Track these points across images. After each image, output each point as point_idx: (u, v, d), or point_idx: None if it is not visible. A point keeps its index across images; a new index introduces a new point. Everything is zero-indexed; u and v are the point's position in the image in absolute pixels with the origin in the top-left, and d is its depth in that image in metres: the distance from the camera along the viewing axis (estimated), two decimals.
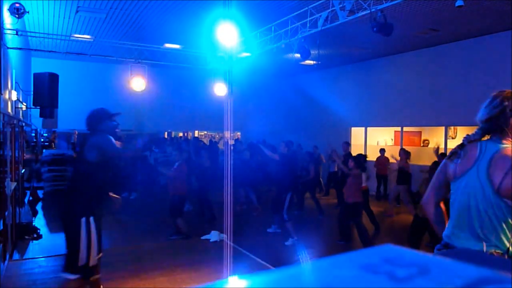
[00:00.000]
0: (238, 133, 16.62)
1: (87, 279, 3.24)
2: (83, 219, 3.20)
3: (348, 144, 10.92)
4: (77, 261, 3.16)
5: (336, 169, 10.53)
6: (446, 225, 2.03)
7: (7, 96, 5.99)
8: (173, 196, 6.87)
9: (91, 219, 3.22)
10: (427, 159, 10.64)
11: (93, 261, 3.21)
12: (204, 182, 8.24)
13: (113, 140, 3.34)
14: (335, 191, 10.50)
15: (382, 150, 10.88)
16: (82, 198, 3.24)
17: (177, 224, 6.86)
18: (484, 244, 1.83)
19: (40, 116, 7.94)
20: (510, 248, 1.81)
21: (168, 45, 11.06)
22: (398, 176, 9.10)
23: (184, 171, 6.99)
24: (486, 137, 1.93)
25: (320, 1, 7.27)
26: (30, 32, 9.46)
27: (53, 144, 13.92)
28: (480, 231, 1.85)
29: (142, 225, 7.86)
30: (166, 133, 16.29)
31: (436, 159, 7.62)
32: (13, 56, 7.85)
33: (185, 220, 7.08)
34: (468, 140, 1.95)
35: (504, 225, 1.81)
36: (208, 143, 14.61)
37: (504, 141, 1.86)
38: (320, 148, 11.22)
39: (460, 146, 1.96)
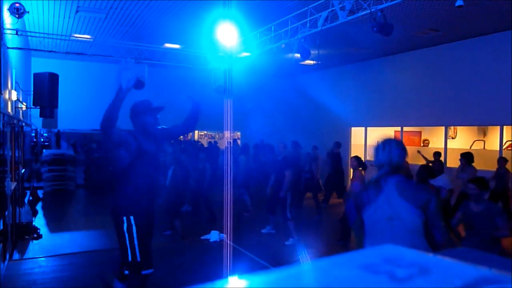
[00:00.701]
0: (238, 133, 16.62)
1: (138, 274, 3.23)
2: (124, 218, 3.25)
3: (339, 144, 10.92)
4: (127, 257, 3.21)
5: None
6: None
7: (7, 96, 5.99)
8: (171, 197, 6.94)
9: (131, 218, 3.25)
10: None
11: (139, 256, 3.21)
12: (202, 184, 8.26)
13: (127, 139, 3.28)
14: (336, 193, 10.52)
15: None
16: (120, 196, 3.32)
17: (174, 224, 6.93)
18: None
19: (40, 116, 7.94)
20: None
21: (168, 45, 11.05)
22: None
23: (181, 173, 7.07)
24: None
25: (320, 1, 7.26)
26: (30, 32, 9.45)
27: (57, 144, 13.97)
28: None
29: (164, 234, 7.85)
30: None
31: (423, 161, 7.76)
32: (13, 56, 7.85)
33: (183, 221, 7.10)
34: (374, 180, 2.58)
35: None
36: (207, 145, 14.67)
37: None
38: (320, 148, 11.22)
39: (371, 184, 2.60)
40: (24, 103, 8.82)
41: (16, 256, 5.90)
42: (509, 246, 3.98)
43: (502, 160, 8.05)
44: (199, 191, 8.35)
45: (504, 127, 9.25)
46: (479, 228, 4.30)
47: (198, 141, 14.43)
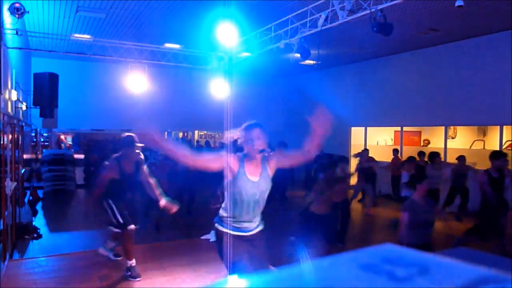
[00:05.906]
0: (238, 132, 16.62)
1: (125, 229, 5.01)
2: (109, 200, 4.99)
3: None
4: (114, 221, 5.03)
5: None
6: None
7: (7, 96, 5.99)
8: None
9: (110, 200, 4.98)
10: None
11: (121, 219, 5.01)
12: (188, 183, 8.47)
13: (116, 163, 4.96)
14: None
15: (395, 151, 10.81)
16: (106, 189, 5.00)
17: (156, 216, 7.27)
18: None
19: (40, 116, 7.95)
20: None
21: (168, 45, 11.05)
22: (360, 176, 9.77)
23: (165, 170, 7.35)
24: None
25: (320, 1, 7.26)
26: (30, 32, 9.45)
27: (61, 145, 14.04)
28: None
29: (142, 224, 7.85)
30: (166, 133, 16.29)
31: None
32: (13, 56, 7.84)
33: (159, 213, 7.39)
34: None
35: None
36: (204, 144, 14.79)
37: None
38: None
39: None
40: (24, 103, 8.81)
41: (16, 256, 5.90)
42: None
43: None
44: (183, 188, 8.61)
45: (504, 127, 9.25)
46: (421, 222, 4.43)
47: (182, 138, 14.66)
